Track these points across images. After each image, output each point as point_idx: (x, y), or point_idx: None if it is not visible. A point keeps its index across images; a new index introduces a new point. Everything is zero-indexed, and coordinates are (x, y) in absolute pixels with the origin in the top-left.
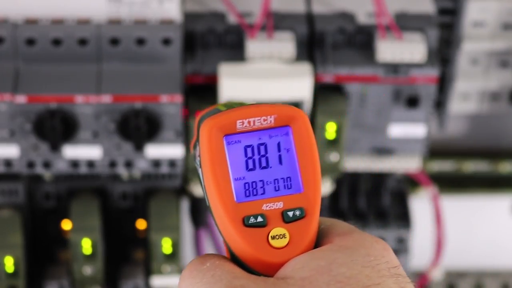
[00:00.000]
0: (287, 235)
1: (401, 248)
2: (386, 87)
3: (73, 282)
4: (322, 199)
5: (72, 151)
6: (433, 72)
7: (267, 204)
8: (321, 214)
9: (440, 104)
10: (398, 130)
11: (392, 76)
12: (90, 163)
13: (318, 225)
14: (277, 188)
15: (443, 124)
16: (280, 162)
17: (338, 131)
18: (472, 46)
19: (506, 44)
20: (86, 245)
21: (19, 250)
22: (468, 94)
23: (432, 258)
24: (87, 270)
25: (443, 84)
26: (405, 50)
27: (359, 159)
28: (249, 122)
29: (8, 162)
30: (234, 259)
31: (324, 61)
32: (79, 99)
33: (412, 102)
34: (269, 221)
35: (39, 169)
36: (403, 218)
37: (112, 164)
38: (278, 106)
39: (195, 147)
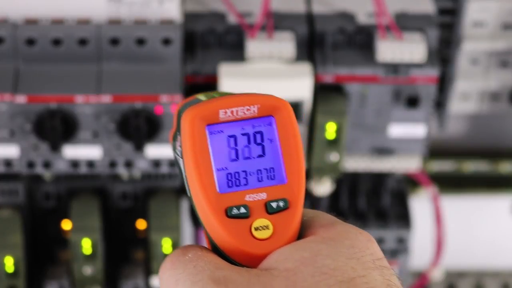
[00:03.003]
0: (271, 227)
1: (401, 248)
2: (386, 87)
3: (73, 282)
4: (322, 199)
5: (72, 151)
6: (433, 72)
7: (250, 195)
8: None
9: (440, 104)
10: (398, 130)
11: (392, 76)
12: (90, 163)
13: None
14: (260, 179)
15: (443, 124)
16: (264, 152)
17: (338, 131)
18: (472, 46)
19: (506, 44)
20: (86, 245)
21: (19, 250)
22: (468, 94)
23: (432, 258)
24: (87, 270)
25: (443, 84)
26: (405, 50)
27: (359, 159)
28: (232, 112)
29: (8, 162)
30: (216, 250)
31: (324, 61)
32: (79, 99)
33: (412, 102)
34: (252, 212)
35: (39, 169)
36: (403, 218)
37: (112, 164)
38: (262, 96)
39: (175, 137)
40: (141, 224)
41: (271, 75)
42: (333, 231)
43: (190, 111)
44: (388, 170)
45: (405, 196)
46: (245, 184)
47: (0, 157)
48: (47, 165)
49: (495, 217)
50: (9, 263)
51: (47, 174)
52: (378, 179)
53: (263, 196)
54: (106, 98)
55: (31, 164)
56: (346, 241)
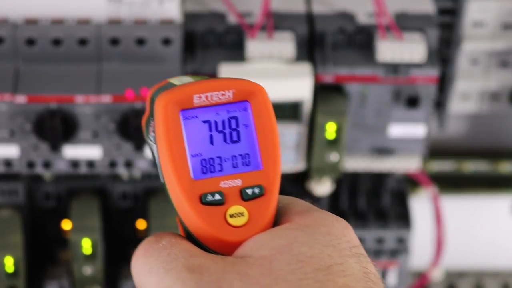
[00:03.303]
0: (246, 214)
1: (401, 248)
2: (386, 87)
3: (73, 282)
4: (322, 199)
5: (72, 151)
6: (433, 72)
7: (225, 182)
8: None
9: (440, 104)
10: (398, 130)
11: (392, 76)
12: (90, 163)
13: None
14: (235, 165)
15: (443, 124)
16: (238, 138)
17: (338, 131)
18: (472, 46)
19: (506, 44)
20: (86, 245)
21: (19, 250)
22: (468, 94)
23: (432, 258)
24: (87, 270)
25: (443, 84)
26: (405, 50)
27: (359, 159)
28: (206, 97)
29: (8, 162)
30: (190, 237)
31: (324, 61)
32: (79, 99)
33: (412, 102)
34: (227, 199)
35: (39, 169)
36: (403, 218)
37: (112, 164)
38: (237, 80)
39: (148, 123)
40: (141, 224)
41: (271, 75)
42: (309, 218)
43: (164, 96)
44: (388, 170)
45: (405, 196)
46: (220, 171)
47: (0, 157)
48: (47, 165)
49: (495, 217)
50: (9, 263)
51: (47, 174)
52: (378, 179)
53: (238, 182)
54: (106, 98)
55: (31, 164)
56: (322, 228)
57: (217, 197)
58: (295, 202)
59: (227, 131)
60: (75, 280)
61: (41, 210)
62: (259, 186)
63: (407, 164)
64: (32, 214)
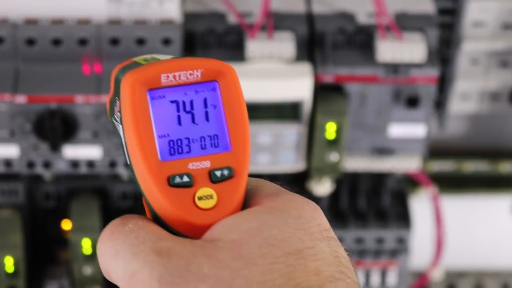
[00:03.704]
0: (215, 196)
1: (401, 248)
2: (386, 87)
3: (73, 282)
4: (322, 198)
5: (72, 151)
6: (433, 72)
7: (194, 163)
8: None
9: (440, 104)
10: (398, 130)
11: (392, 76)
12: (90, 163)
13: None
14: (203, 146)
15: (443, 124)
16: (207, 119)
17: (338, 131)
18: (472, 46)
19: (506, 44)
20: (86, 245)
21: (19, 250)
22: (468, 94)
23: (432, 258)
24: (87, 270)
25: (443, 84)
26: (405, 50)
27: (359, 159)
28: (174, 76)
29: (8, 162)
30: (157, 220)
31: (324, 61)
32: (79, 99)
33: (412, 102)
34: (196, 181)
35: (39, 169)
36: (403, 218)
37: (112, 164)
38: (205, 60)
39: (112, 102)
40: None
41: (271, 75)
42: (279, 201)
43: (131, 75)
44: (388, 170)
45: (405, 196)
46: (188, 152)
47: (0, 157)
48: (47, 165)
49: (495, 217)
50: (9, 263)
51: (47, 174)
52: (378, 179)
53: (206, 164)
54: (106, 98)
55: (31, 164)
56: (292, 211)
57: (185, 179)
58: (264, 184)
59: (195, 111)
60: (75, 280)
61: (41, 210)
62: (228, 168)
63: (407, 164)
64: (32, 214)
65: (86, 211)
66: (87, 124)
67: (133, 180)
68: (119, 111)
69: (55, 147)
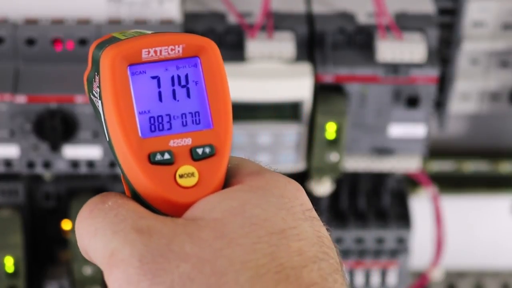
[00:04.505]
0: (196, 174)
1: (401, 248)
2: (386, 87)
3: (73, 282)
4: (322, 199)
5: (72, 151)
6: (433, 72)
7: (175, 140)
8: (321, 214)
9: (440, 104)
10: (398, 130)
11: (392, 76)
12: (90, 163)
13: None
14: (184, 123)
15: (443, 124)
16: (188, 95)
17: (338, 131)
18: (472, 46)
19: (506, 44)
20: None
21: (19, 250)
22: (468, 94)
23: (432, 258)
24: (87, 270)
25: (443, 84)
26: (405, 50)
27: (359, 159)
28: (155, 52)
29: (8, 162)
30: (137, 198)
31: (324, 61)
32: (79, 99)
33: (412, 102)
34: (177, 158)
35: (39, 169)
36: (403, 218)
37: (112, 164)
38: (187, 35)
39: (91, 78)
40: None
41: (271, 75)
42: (261, 180)
43: (111, 50)
44: (388, 170)
45: (405, 196)
46: (169, 129)
47: (0, 157)
48: (47, 165)
49: (495, 217)
50: (9, 263)
51: (47, 174)
52: (378, 179)
53: (188, 141)
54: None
55: (31, 164)
56: (275, 190)
57: (166, 156)
58: (245, 162)
59: (176, 87)
60: (75, 280)
61: (41, 210)
62: (210, 146)
63: (407, 164)
64: (32, 214)
65: None
66: (87, 124)
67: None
68: (98, 87)
69: (55, 147)
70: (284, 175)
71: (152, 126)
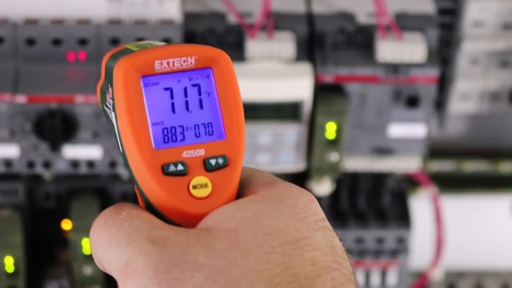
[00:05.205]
0: (209, 185)
1: (401, 248)
2: (386, 87)
3: (73, 282)
4: (322, 198)
5: (72, 151)
6: (433, 72)
7: (188, 151)
8: None
9: (440, 104)
10: (398, 130)
11: (392, 76)
12: (90, 163)
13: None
14: (197, 134)
15: (443, 124)
16: (201, 106)
17: (338, 131)
18: (472, 46)
19: (506, 44)
20: (86, 245)
21: (19, 250)
22: (468, 94)
23: (432, 258)
24: (87, 270)
25: (443, 84)
26: (405, 50)
27: (359, 159)
28: (168, 63)
29: (8, 162)
30: (151, 209)
31: (324, 61)
32: (79, 99)
33: (412, 102)
34: (190, 169)
35: (39, 169)
36: (403, 218)
37: (112, 164)
38: (199, 46)
39: (104, 90)
40: None
41: (271, 75)
42: (274, 190)
43: (124, 62)
44: (388, 170)
45: (405, 196)
46: (182, 140)
47: (0, 157)
48: (47, 165)
49: (495, 217)
50: (9, 263)
51: (47, 174)
52: (378, 179)
53: (201, 152)
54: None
55: (31, 164)
56: (288, 201)
57: (180, 167)
58: (258, 173)
59: (189, 99)
60: (75, 280)
61: (41, 210)
62: (223, 157)
63: (407, 164)
64: (32, 214)
65: (86, 211)
66: (87, 124)
67: (132, 181)
68: (112, 98)
69: (55, 147)
70: (297, 186)
71: (166, 137)
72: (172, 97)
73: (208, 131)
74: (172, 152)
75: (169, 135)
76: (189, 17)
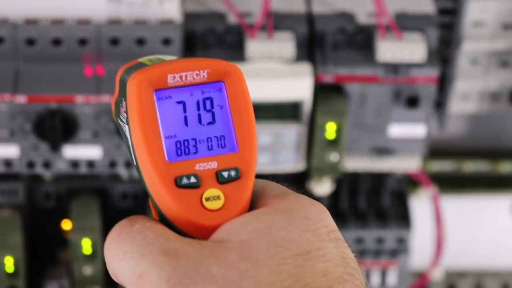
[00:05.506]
0: (222, 197)
1: (401, 248)
2: (386, 87)
3: (73, 282)
4: (322, 198)
5: (72, 151)
6: (433, 72)
7: (201, 164)
8: None
9: (440, 104)
10: (398, 130)
11: (392, 76)
12: (90, 163)
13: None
14: (210, 147)
15: (443, 124)
16: (214, 119)
17: (338, 131)
18: (472, 46)
19: (506, 44)
20: (86, 245)
21: (19, 250)
22: (468, 94)
23: (432, 258)
24: (87, 270)
25: (443, 84)
26: (405, 50)
27: (359, 159)
28: (180, 77)
29: (8, 162)
30: (164, 221)
31: (324, 61)
32: (79, 99)
33: (412, 102)
34: (203, 181)
35: (39, 169)
36: (403, 218)
37: (112, 164)
38: (211, 60)
39: (118, 103)
40: None
41: (271, 75)
42: (287, 202)
43: (137, 76)
44: (388, 170)
45: (405, 196)
46: (195, 153)
47: (0, 157)
48: (47, 165)
49: (495, 217)
50: (9, 263)
51: (47, 174)
52: (378, 179)
53: (214, 165)
54: (106, 98)
55: (31, 164)
56: (300, 213)
57: (193, 180)
58: (270, 185)
59: (201, 112)
60: (75, 280)
61: (41, 210)
62: (235, 169)
63: (407, 164)
64: (32, 214)
65: (86, 211)
66: (87, 124)
67: (134, 181)
68: (126, 112)
69: (55, 147)
70: (309, 198)
71: (178, 150)
72: (184, 111)
73: (221, 144)
74: (185, 165)
75: (182, 148)
76: (189, 17)
